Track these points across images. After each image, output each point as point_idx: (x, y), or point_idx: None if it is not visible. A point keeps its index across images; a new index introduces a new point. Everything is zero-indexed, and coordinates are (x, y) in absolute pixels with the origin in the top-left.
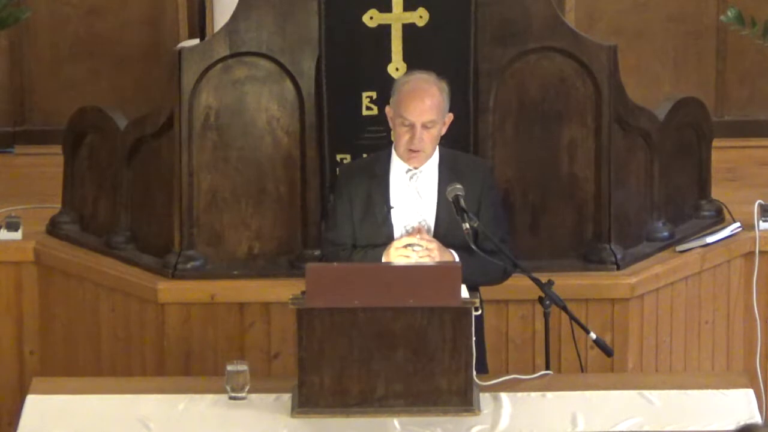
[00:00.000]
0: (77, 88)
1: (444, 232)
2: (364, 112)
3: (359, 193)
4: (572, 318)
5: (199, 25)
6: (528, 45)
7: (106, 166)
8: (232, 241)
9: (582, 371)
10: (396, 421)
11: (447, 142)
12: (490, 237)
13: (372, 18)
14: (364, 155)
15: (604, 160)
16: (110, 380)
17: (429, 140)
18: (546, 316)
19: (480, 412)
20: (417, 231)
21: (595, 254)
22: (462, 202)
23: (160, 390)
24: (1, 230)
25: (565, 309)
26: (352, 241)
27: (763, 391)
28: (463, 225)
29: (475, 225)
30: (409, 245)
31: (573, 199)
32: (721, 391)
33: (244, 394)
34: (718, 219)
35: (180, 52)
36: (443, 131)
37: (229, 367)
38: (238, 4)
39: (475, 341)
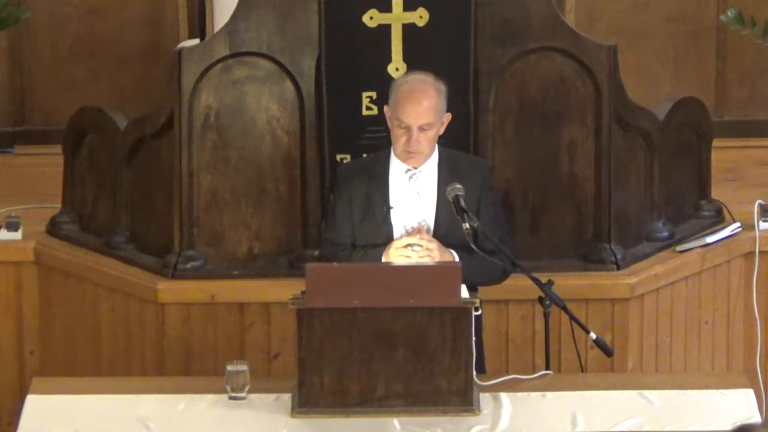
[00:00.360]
0: (77, 88)
1: (444, 232)
2: (364, 112)
3: (359, 193)
4: (572, 318)
5: (199, 25)
6: (528, 45)
7: (106, 166)
8: (232, 241)
9: (582, 371)
10: (396, 421)
11: (447, 142)
12: (489, 237)
13: (372, 18)
14: (364, 155)
15: (604, 160)
16: (110, 380)
17: (425, 142)
18: (546, 316)
19: (480, 412)
20: (417, 231)
21: (595, 254)
22: (462, 202)
23: (160, 390)
24: (1, 230)
25: (565, 309)
26: (351, 241)
27: (763, 391)
28: (463, 225)
29: (475, 225)
30: (409, 245)
31: (573, 199)
32: (721, 391)
33: (244, 394)
34: (718, 219)
35: (180, 52)
36: (441, 131)
37: (229, 367)
38: (238, 4)
39: (474, 341)
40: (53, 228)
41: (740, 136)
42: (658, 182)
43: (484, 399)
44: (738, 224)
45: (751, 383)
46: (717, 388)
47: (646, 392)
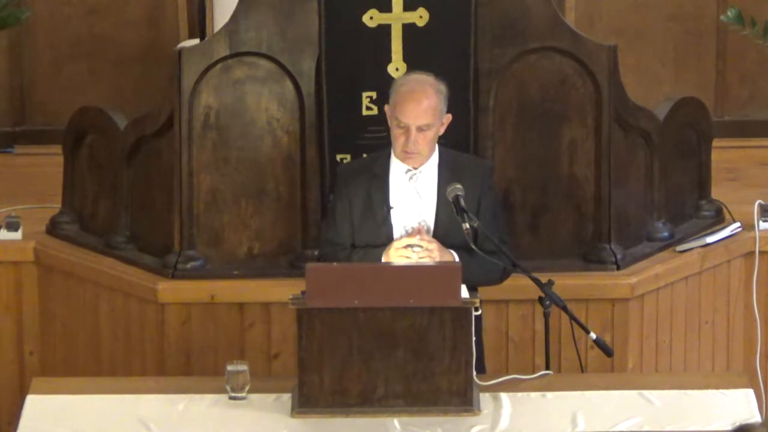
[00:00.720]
0: (77, 88)
1: (444, 233)
2: (364, 112)
3: (359, 193)
4: (572, 318)
5: (199, 25)
6: (528, 45)
7: (106, 166)
8: (232, 241)
9: (582, 371)
10: (396, 421)
11: (447, 142)
12: (489, 237)
13: (372, 18)
14: (364, 155)
15: (604, 160)
16: (110, 380)
17: (424, 142)
18: (546, 316)
19: (480, 412)
20: (417, 232)
21: (595, 254)
22: (462, 202)
23: (160, 390)
24: (1, 230)
25: (565, 309)
26: (351, 241)
27: (763, 391)
28: (463, 225)
29: (475, 225)
30: (409, 246)
31: (573, 199)
32: (721, 391)
33: (244, 394)
34: (718, 219)
35: (180, 52)
36: (441, 132)
37: (229, 367)
38: (238, 4)
39: (474, 341)
40: (53, 228)
41: (740, 136)
42: (658, 182)
43: (484, 399)
44: (738, 224)
45: (751, 383)
46: (717, 388)
47: (646, 392)
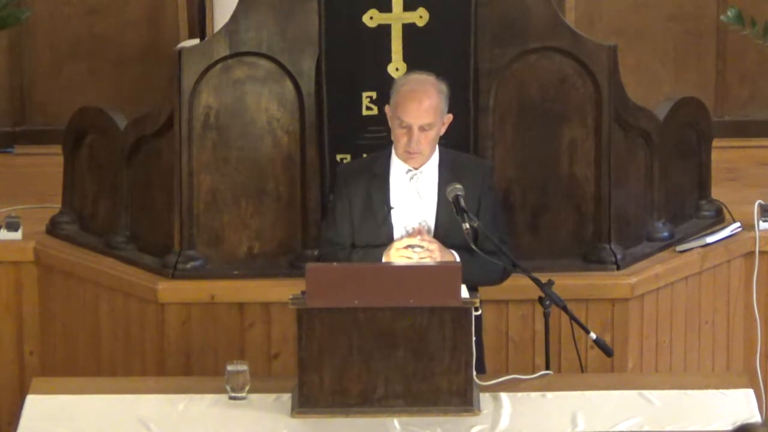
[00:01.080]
0: (77, 88)
1: (444, 233)
2: (364, 112)
3: (359, 193)
4: (572, 318)
5: (199, 25)
6: (528, 45)
7: (106, 166)
8: (232, 241)
9: (582, 371)
10: (396, 421)
11: (447, 142)
12: (490, 237)
13: (372, 18)
14: (364, 155)
15: (604, 160)
16: (110, 380)
17: (426, 142)
18: (546, 316)
19: (480, 412)
20: (417, 232)
21: (595, 254)
22: (462, 202)
23: (160, 390)
24: (1, 230)
25: (565, 309)
26: (351, 241)
27: (763, 391)
28: (463, 225)
29: (475, 225)
30: (410, 246)
31: (573, 199)
32: (721, 391)
33: (244, 394)
34: (718, 219)
35: (180, 52)
36: (442, 131)
37: (229, 367)
38: (238, 4)
39: (474, 341)
40: (53, 228)
41: (740, 136)
42: (658, 182)
43: (484, 399)
44: (738, 224)
45: (751, 383)
46: (717, 388)
47: (646, 392)
